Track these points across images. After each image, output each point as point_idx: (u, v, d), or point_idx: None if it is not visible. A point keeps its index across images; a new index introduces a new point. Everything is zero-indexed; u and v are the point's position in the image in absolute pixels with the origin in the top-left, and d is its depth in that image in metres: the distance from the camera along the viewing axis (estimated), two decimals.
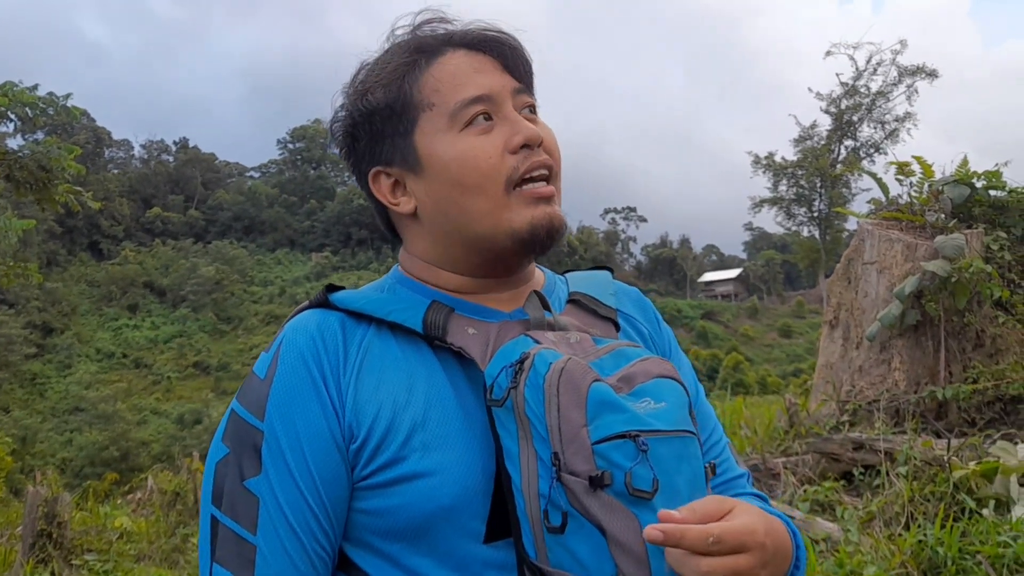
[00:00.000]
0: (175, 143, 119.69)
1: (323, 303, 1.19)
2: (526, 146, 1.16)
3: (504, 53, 1.21)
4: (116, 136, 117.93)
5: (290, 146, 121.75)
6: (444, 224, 1.20)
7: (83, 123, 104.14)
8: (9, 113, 11.62)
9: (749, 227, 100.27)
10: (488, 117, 1.17)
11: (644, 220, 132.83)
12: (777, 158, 48.62)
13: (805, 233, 49.86)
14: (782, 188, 48.52)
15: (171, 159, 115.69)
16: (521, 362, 1.04)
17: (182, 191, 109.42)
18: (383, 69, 1.21)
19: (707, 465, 1.10)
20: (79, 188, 12.48)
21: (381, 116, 1.20)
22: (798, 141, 48.50)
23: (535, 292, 1.19)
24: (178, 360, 75.60)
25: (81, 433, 53.05)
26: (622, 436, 0.98)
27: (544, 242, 1.17)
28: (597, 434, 0.98)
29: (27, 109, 11.48)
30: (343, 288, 1.22)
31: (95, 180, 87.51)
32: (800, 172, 47.69)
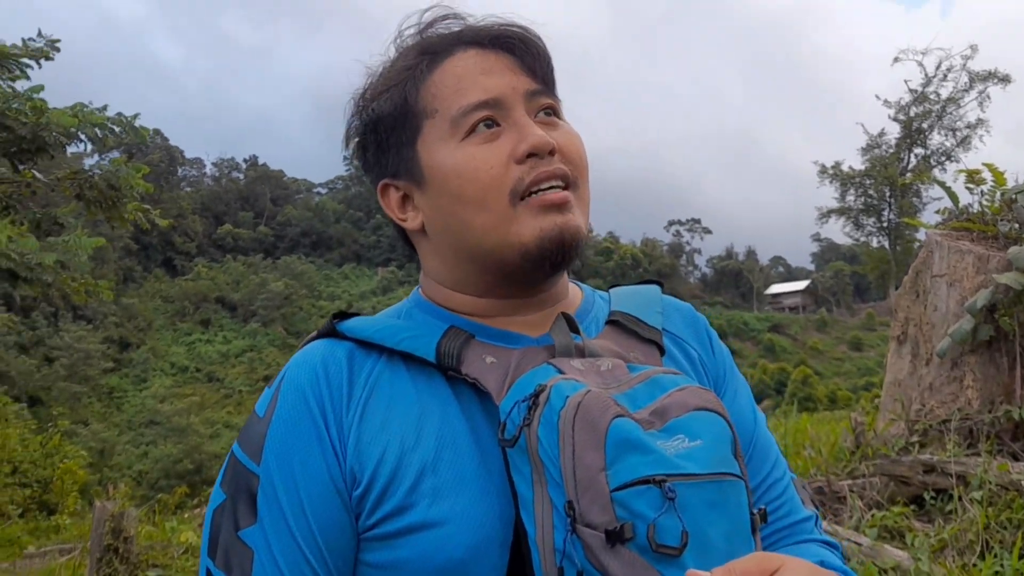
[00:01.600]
0: (245, 161, 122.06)
1: (331, 332, 1.10)
2: (533, 154, 1.04)
3: (520, 50, 1.09)
4: (188, 155, 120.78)
5: (356, 162, 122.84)
6: (451, 241, 1.10)
7: (157, 142, 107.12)
8: (79, 134, 11.90)
9: (817, 238, 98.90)
10: (495, 123, 1.05)
11: (709, 232, 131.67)
12: (844, 167, 47.83)
13: (874, 244, 48.82)
14: (850, 198, 47.66)
15: (241, 176, 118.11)
16: (536, 396, 0.93)
17: (252, 208, 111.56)
18: (387, 74, 1.13)
19: (756, 512, 0.96)
20: (147, 206, 12.74)
21: (385, 125, 1.11)
22: (866, 150, 47.58)
23: (562, 314, 1.06)
24: (249, 374, 76.87)
25: (156, 446, 54.31)
26: (646, 481, 0.85)
27: (556, 256, 1.04)
28: (617, 479, 0.85)
29: (96, 130, 11.74)
30: (357, 315, 1.13)
31: (169, 198, 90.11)
32: (868, 181, 46.79)
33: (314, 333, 1.13)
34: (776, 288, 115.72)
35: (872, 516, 4.55)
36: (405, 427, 1.01)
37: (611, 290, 1.25)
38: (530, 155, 1.04)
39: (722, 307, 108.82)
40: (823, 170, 47.87)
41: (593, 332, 1.13)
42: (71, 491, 18.72)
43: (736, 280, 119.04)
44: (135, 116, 12.60)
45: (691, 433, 0.91)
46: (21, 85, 12.40)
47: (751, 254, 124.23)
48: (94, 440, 50.14)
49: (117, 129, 12.31)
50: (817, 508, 1.23)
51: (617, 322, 1.14)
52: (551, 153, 1.05)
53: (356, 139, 1.17)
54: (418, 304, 1.17)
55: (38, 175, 12.28)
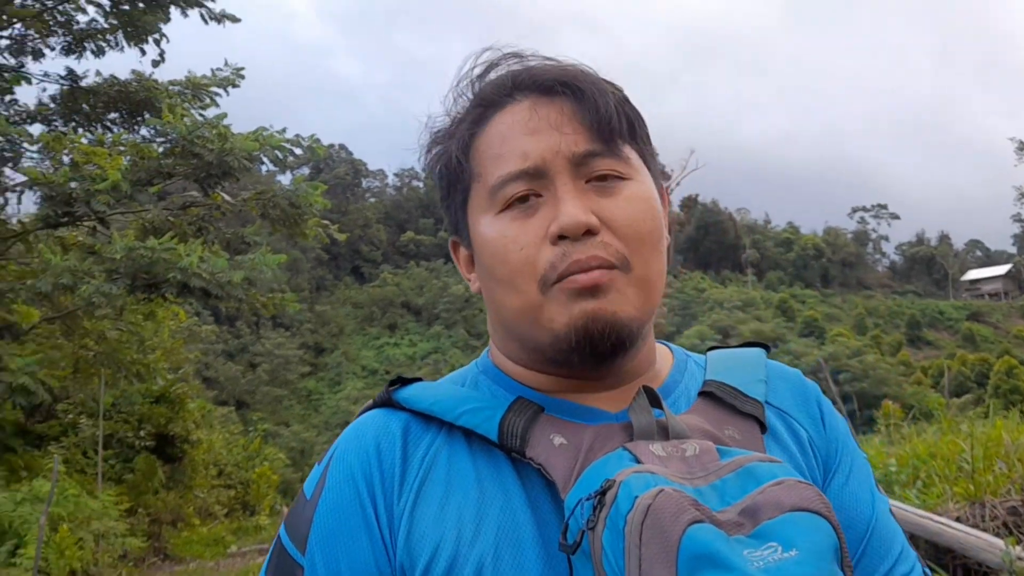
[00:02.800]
0: (423, 170, 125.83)
1: (387, 402, 1.00)
2: (565, 236, 0.91)
3: (577, 99, 0.95)
4: (371, 167, 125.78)
5: None
6: (495, 316, 1.01)
7: (342, 157, 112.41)
8: (262, 156, 12.56)
9: (1018, 218, 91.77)
10: (536, 194, 0.94)
11: (896, 217, 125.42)
12: None
13: None
14: None
15: (421, 185, 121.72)
16: (603, 494, 0.78)
17: (432, 214, 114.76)
18: (441, 129, 1.04)
19: None
20: (326, 221, 13.30)
21: (441, 184, 1.04)
22: None
23: (644, 388, 0.92)
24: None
25: None
26: None
27: (587, 347, 0.91)
28: None
29: (276, 152, 12.36)
30: (417, 380, 1.02)
31: (355, 209, 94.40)
32: None
33: (370, 402, 1.04)
34: (974, 274, 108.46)
35: None
36: (464, 517, 0.90)
37: (709, 353, 1.11)
38: (562, 237, 0.91)
39: (914, 296, 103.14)
40: (1021, 146, 44.64)
41: (684, 406, 0.99)
42: (267, 493, 19.77)
43: (929, 267, 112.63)
44: (312, 136, 13.19)
45: (785, 541, 0.75)
46: (211, 112, 13.31)
47: (944, 239, 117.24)
48: (295, 440, 52.99)
49: (296, 150, 12.93)
50: None
51: (712, 394, 0.99)
52: (590, 233, 0.91)
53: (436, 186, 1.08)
54: (485, 370, 1.05)
55: (226, 197, 13.06)
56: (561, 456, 0.88)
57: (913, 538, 4.51)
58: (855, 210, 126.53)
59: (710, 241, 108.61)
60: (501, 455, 0.93)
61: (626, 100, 0.99)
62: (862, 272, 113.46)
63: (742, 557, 0.73)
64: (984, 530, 4.30)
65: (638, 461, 0.83)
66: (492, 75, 1.01)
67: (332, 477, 0.95)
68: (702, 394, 1.00)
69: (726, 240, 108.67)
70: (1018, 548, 3.95)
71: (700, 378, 1.04)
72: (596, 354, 0.92)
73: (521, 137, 0.95)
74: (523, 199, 0.94)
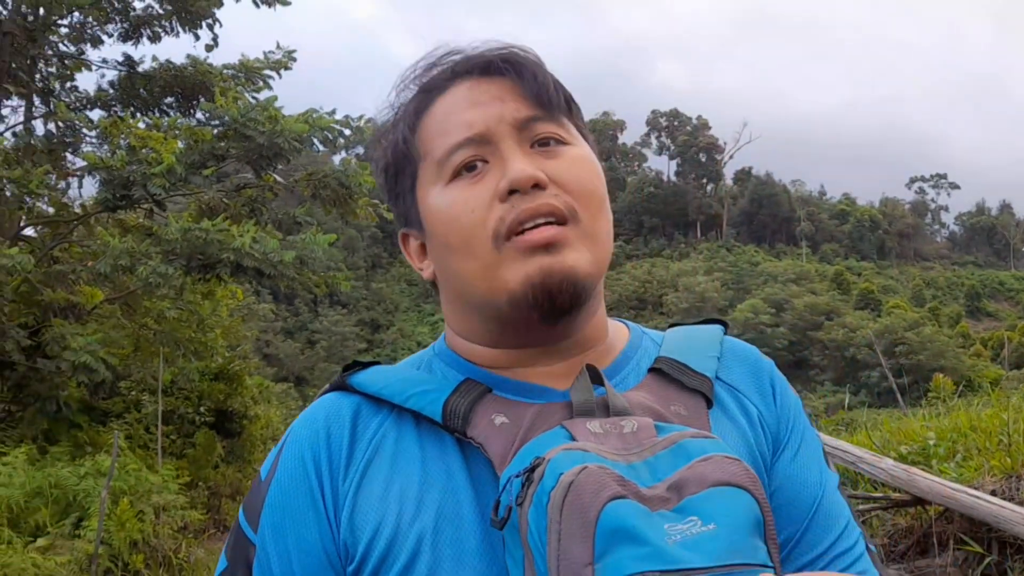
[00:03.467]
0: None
1: (342, 385, 1.03)
2: (515, 191, 0.93)
3: (515, 75, 0.98)
4: None
5: None
6: (451, 290, 1.03)
7: None
8: (312, 138, 12.77)
9: None
10: (483, 161, 0.96)
11: (956, 187, 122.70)
12: None
13: None
14: None
15: None
16: (532, 471, 0.81)
17: None
18: (386, 120, 1.07)
19: None
20: (376, 201, 13.50)
21: (391, 172, 1.06)
22: None
23: (587, 366, 0.94)
24: None
25: None
26: None
27: (548, 303, 0.93)
28: None
29: (326, 133, 12.56)
30: (375, 364, 1.05)
31: None
32: None
33: (327, 386, 1.06)
34: None
35: None
36: (406, 496, 0.92)
37: (668, 330, 1.13)
38: (512, 191, 0.93)
39: (974, 266, 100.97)
40: None
41: (633, 381, 1.01)
42: None
43: (989, 237, 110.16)
44: (361, 117, 13.37)
45: (706, 515, 0.77)
46: (263, 95, 13.56)
47: (1006, 208, 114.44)
48: None
49: (346, 131, 13.12)
50: None
51: (661, 370, 1.01)
52: (538, 186, 0.93)
53: (382, 186, 1.11)
54: (440, 353, 1.08)
55: (278, 178, 13.33)
56: (501, 435, 0.91)
57: (948, 511, 4.56)
58: (913, 180, 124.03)
59: (764, 214, 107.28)
60: (448, 435, 0.95)
61: (559, 82, 1.03)
62: (920, 243, 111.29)
63: (660, 531, 0.75)
64: (1020, 503, 4.33)
65: (573, 438, 0.85)
66: (435, 71, 1.04)
67: (284, 459, 0.99)
68: (652, 370, 1.02)
69: (780, 213, 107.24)
70: None
71: (653, 354, 1.06)
72: (555, 309, 0.94)
73: (465, 110, 0.98)
74: (471, 167, 0.96)
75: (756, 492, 0.81)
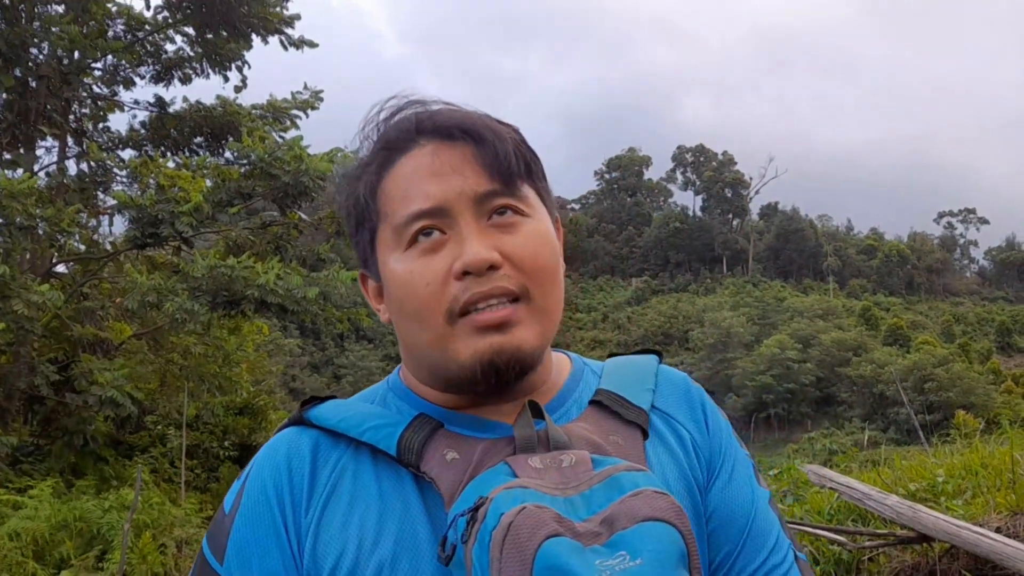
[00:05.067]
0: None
1: (300, 420, 1.08)
2: (469, 272, 0.97)
3: (477, 144, 1.01)
4: None
5: (606, 176, 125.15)
6: (405, 345, 1.07)
7: None
8: (337, 176, 13.02)
9: None
10: (440, 231, 1.00)
11: (986, 222, 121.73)
12: None
13: None
14: None
15: None
16: (476, 509, 0.87)
17: None
18: (350, 170, 1.10)
19: None
20: None
21: (349, 222, 1.10)
22: None
23: (528, 402, 1.00)
24: None
25: None
26: None
27: (495, 377, 0.98)
28: None
29: None
30: (332, 398, 1.11)
31: None
32: None
33: (286, 420, 1.11)
34: None
35: None
36: (365, 527, 0.98)
37: (608, 361, 1.20)
38: (466, 273, 0.97)
39: (1004, 302, 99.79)
40: None
41: (574, 413, 1.07)
42: None
43: (1020, 272, 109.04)
44: None
45: (634, 550, 0.83)
46: (291, 134, 13.87)
47: None
48: None
49: None
50: None
51: (600, 402, 1.07)
52: (493, 268, 0.97)
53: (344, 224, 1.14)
54: (394, 388, 1.13)
55: (303, 216, 13.59)
56: (451, 470, 0.96)
57: (953, 549, 4.59)
58: (941, 215, 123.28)
59: (790, 249, 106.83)
60: (404, 468, 1.01)
61: (522, 141, 1.07)
62: (949, 278, 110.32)
63: (592, 567, 0.80)
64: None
65: (515, 475, 0.90)
66: (396, 119, 1.07)
67: (248, 492, 1.03)
68: (592, 402, 1.07)
69: (807, 248, 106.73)
70: None
71: (594, 386, 1.11)
72: (501, 382, 0.99)
73: (425, 179, 1.01)
74: (427, 233, 1.00)
75: (682, 526, 0.87)
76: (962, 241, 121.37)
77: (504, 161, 1.01)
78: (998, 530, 4.51)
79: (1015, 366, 71.55)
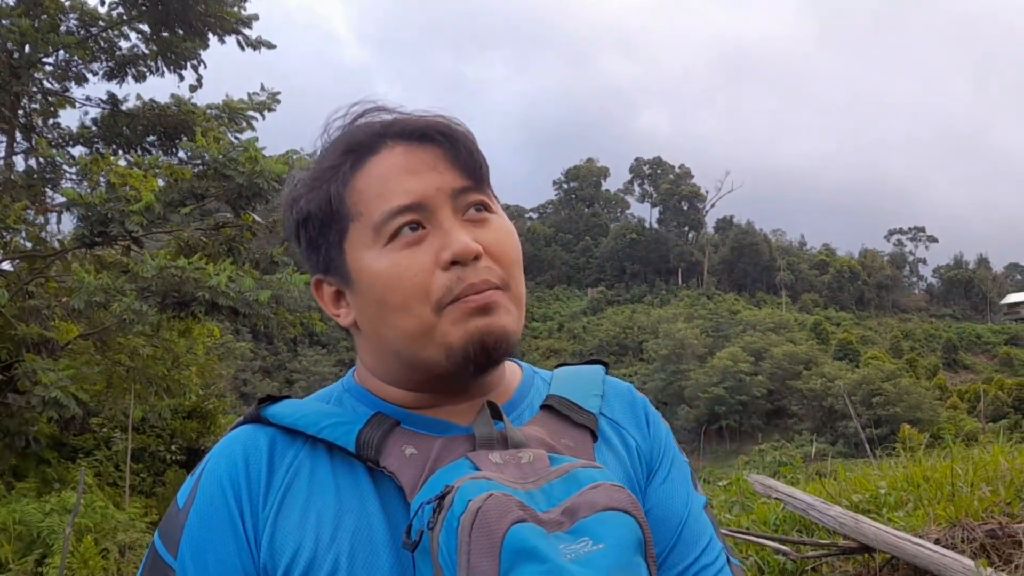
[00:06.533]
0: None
1: (256, 418, 1.09)
2: (457, 262, 1.01)
3: (447, 145, 1.05)
4: None
5: (564, 186, 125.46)
6: (378, 341, 1.08)
7: None
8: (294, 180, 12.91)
9: None
10: (419, 226, 1.03)
11: (934, 240, 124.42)
12: None
13: None
14: None
15: None
16: (442, 498, 0.91)
17: None
18: (314, 170, 1.09)
19: None
20: None
21: (313, 224, 1.08)
22: None
23: (487, 402, 1.05)
24: None
25: None
26: None
27: (482, 358, 1.02)
28: None
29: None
30: (286, 398, 1.12)
31: None
32: None
33: (240, 418, 1.12)
34: (1014, 297, 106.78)
35: None
36: (322, 522, 1.00)
37: (556, 370, 1.24)
38: (454, 263, 1.01)
39: (951, 319, 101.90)
40: None
41: (526, 417, 1.12)
42: None
43: (967, 290, 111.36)
44: None
45: (596, 536, 0.89)
46: (247, 135, 13.72)
47: (983, 262, 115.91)
48: None
49: None
50: None
51: (552, 407, 1.12)
52: (477, 258, 1.02)
53: (290, 229, 1.14)
54: (349, 389, 1.15)
55: (257, 218, 13.43)
56: (411, 465, 1.00)
57: (894, 559, 4.65)
58: (892, 232, 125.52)
59: (744, 263, 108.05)
60: (359, 465, 1.03)
61: (482, 154, 1.11)
62: (898, 295, 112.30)
63: (557, 551, 0.87)
64: (962, 552, 4.43)
65: (477, 469, 0.95)
66: (361, 121, 1.10)
67: (203, 487, 1.04)
68: (544, 407, 1.13)
69: (760, 262, 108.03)
70: (990, 570, 4.08)
71: (544, 392, 1.16)
72: (490, 362, 1.04)
73: (402, 177, 1.03)
74: (413, 228, 1.02)
75: (638, 516, 0.94)
76: (911, 258, 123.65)
77: (476, 160, 1.06)
78: (937, 541, 4.58)
79: (960, 382, 73.03)
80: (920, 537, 4.56)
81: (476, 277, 1.01)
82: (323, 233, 1.08)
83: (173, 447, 14.20)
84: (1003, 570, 4.27)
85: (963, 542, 4.61)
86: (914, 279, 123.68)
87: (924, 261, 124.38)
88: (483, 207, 1.07)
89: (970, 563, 4.14)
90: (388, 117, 1.09)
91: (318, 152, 1.11)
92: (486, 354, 1.02)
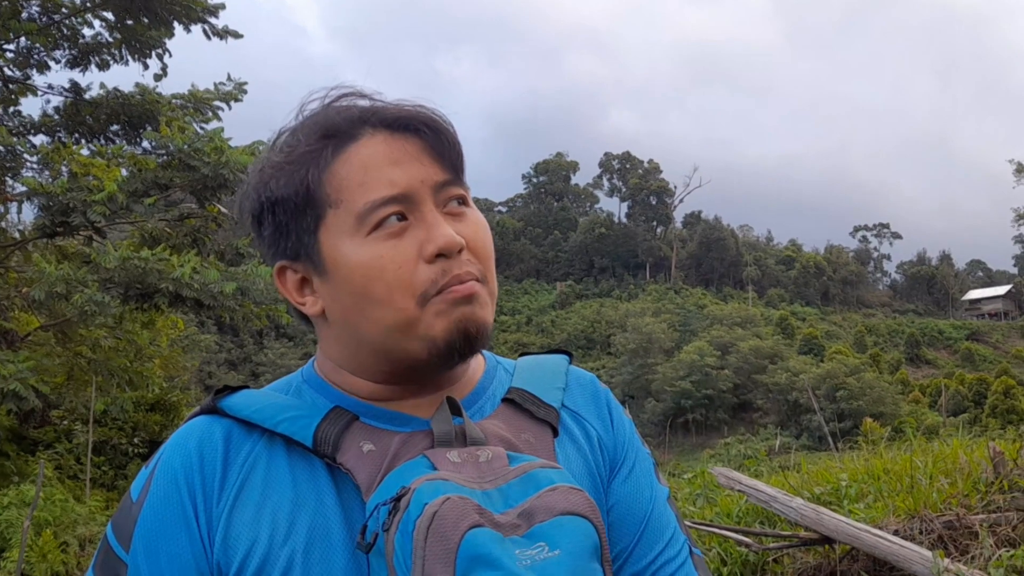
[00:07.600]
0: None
1: (213, 409, 1.06)
2: (442, 255, 1.00)
3: (430, 136, 1.03)
4: None
5: (534, 180, 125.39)
6: (352, 332, 1.04)
7: None
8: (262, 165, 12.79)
9: (1020, 239, 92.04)
10: (402, 217, 1.00)
11: (898, 237, 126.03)
12: None
13: None
14: None
15: None
16: (398, 499, 0.89)
17: None
18: (288, 154, 1.04)
19: None
20: None
21: (284, 208, 1.03)
22: None
23: (447, 398, 1.03)
24: None
25: None
26: None
27: (464, 347, 1.01)
28: None
29: None
30: (244, 388, 1.09)
31: None
32: None
33: (197, 408, 1.09)
34: (974, 293, 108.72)
35: (1001, 555, 4.31)
36: (277, 518, 0.98)
37: (519, 360, 1.22)
38: (439, 255, 1.00)
39: (914, 315, 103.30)
40: (1020, 168, 44.60)
41: (489, 410, 1.10)
42: None
43: (929, 286, 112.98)
44: None
45: (552, 541, 0.88)
46: (212, 126, 13.58)
47: (945, 258, 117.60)
48: None
49: None
50: None
51: (513, 400, 1.10)
52: (459, 251, 1.01)
53: (250, 212, 1.08)
54: (309, 380, 1.12)
55: (222, 209, 13.30)
56: (368, 462, 0.98)
57: (854, 550, 4.71)
58: (857, 229, 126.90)
59: (712, 258, 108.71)
60: (317, 460, 1.01)
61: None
62: (863, 291, 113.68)
63: (512, 557, 0.85)
64: (920, 543, 4.49)
65: (435, 468, 0.93)
66: (339, 105, 1.06)
67: (157, 481, 1.02)
68: (505, 400, 1.11)
69: (727, 257, 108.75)
70: (947, 561, 4.14)
71: (507, 384, 1.15)
72: (471, 350, 1.03)
73: (386, 166, 1.00)
74: (400, 218, 1.00)
75: (595, 520, 0.93)
76: (876, 255, 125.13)
77: (456, 152, 1.05)
78: (896, 532, 4.64)
79: (922, 377, 74.05)
80: (879, 528, 4.62)
81: (461, 269, 1.01)
82: (295, 218, 1.03)
83: (135, 440, 14.02)
84: (960, 561, 4.32)
85: (921, 533, 4.67)
86: (878, 275, 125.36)
87: (888, 257, 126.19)
88: (462, 201, 1.06)
89: (928, 554, 4.19)
90: (365, 103, 1.06)
91: (286, 132, 1.07)
92: (469, 344, 1.01)
